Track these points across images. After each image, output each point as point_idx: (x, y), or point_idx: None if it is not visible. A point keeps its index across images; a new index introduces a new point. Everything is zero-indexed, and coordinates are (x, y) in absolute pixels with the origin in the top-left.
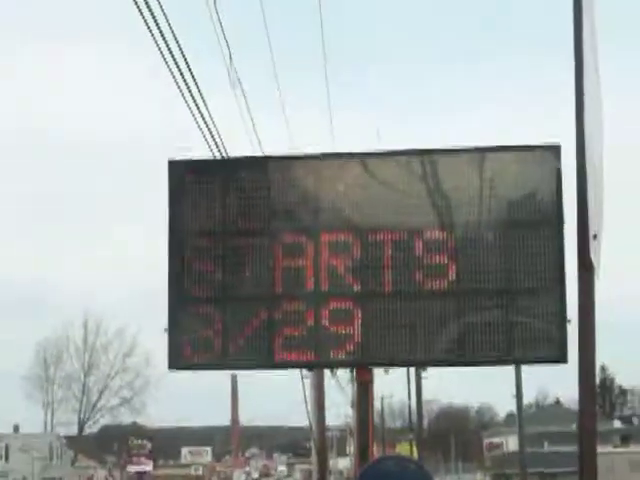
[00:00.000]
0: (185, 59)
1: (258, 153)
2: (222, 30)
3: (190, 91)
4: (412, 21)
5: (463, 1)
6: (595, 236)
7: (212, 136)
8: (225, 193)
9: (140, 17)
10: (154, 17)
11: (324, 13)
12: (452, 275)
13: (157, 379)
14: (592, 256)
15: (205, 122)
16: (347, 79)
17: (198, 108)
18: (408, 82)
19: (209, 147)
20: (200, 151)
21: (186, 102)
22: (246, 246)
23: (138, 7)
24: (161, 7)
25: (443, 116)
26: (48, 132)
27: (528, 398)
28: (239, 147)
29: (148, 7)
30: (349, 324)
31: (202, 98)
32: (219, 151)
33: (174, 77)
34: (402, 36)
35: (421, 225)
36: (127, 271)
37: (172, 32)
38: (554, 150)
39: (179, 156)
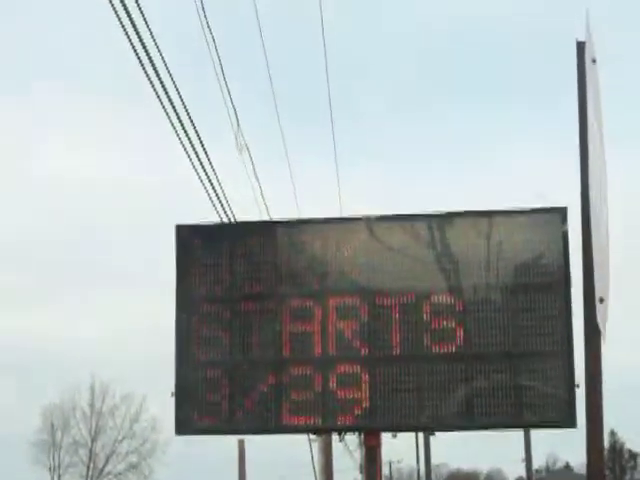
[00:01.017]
0: (194, 127)
1: (265, 216)
2: (230, 96)
3: (198, 156)
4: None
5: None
6: (602, 300)
7: (219, 200)
8: (232, 257)
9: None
10: (164, 87)
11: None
12: (460, 339)
13: (164, 444)
14: (598, 320)
15: (213, 186)
16: (355, 132)
17: (206, 173)
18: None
19: (217, 211)
20: (207, 215)
21: (194, 167)
22: (253, 311)
23: (148, 76)
24: (171, 77)
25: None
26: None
27: (538, 462)
28: (247, 210)
29: (158, 76)
30: (357, 388)
31: (210, 163)
32: (227, 215)
33: (184, 146)
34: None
35: (428, 289)
36: (134, 336)
37: (182, 102)
38: (560, 212)
39: (186, 221)
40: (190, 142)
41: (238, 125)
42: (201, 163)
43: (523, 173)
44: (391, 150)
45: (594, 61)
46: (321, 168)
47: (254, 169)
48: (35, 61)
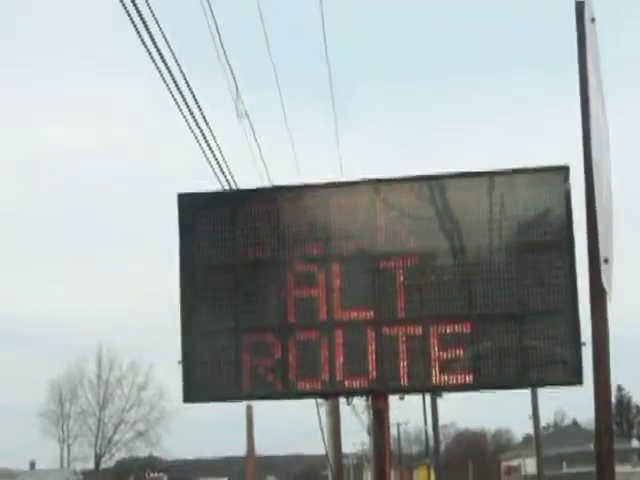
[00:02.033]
0: (193, 95)
1: (266, 183)
2: (229, 64)
3: (197, 124)
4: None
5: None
6: (606, 260)
7: (221, 168)
8: (235, 224)
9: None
10: (162, 56)
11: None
12: (465, 300)
13: (172, 411)
14: (603, 280)
15: (214, 154)
16: (354, 100)
17: (206, 140)
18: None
19: (218, 179)
20: (209, 183)
21: (194, 135)
22: (257, 277)
23: (145, 45)
24: (169, 47)
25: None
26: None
27: (545, 420)
28: (247, 178)
29: (156, 47)
30: (363, 351)
31: (210, 131)
32: (228, 183)
33: (183, 113)
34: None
35: (432, 251)
36: (140, 304)
37: (182, 73)
38: (563, 171)
39: (188, 189)
40: (190, 111)
41: (237, 92)
42: (201, 131)
43: (523, 136)
44: (392, 115)
45: (593, 20)
46: (322, 134)
47: (254, 135)
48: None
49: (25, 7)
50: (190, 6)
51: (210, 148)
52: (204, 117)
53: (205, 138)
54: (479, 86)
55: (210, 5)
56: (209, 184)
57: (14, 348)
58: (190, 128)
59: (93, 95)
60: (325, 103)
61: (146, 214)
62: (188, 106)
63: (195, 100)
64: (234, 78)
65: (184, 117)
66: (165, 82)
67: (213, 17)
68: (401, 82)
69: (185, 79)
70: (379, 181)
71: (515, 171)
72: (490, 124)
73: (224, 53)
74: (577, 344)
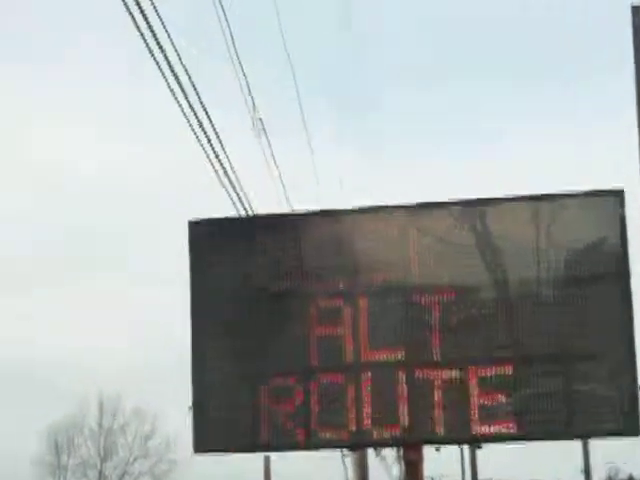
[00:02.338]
0: (205, 111)
1: (286, 208)
2: (246, 80)
3: (212, 145)
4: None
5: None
6: None
7: (236, 192)
8: (251, 255)
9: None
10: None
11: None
12: (507, 339)
13: (182, 464)
14: None
15: (228, 177)
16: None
17: (221, 163)
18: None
19: (234, 205)
20: (223, 210)
21: (208, 158)
22: (277, 313)
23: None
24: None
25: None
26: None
27: (598, 474)
28: (265, 203)
29: (167, 61)
30: (394, 396)
31: (225, 153)
32: (244, 208)
33: (195, 134)
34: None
35: (471, 284)
36: (146, 343)
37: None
38: (617, 195)
39: (200, 216)
40: (205, 133)
41: (254, 107)
42: (213, 148)
43: (565, 155)
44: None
45: None
46: (345, 154)
47: (272, 154)
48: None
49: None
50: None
51: (223, 167)
52: (216, 133)
53: (218, 157)
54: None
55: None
56: (221, 209)
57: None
58: (203, 148)
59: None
60: (351, 117)
61: (151, 242)
62: (199, 122)
63: (208, 116)
64: (249, 88)
65: (197, 137)
66: (174, 95)
67: (227, 23)
68: (432, 92)
69: (196, 92)
70: (412, 206)
71: (563, 195)
72: (526, 139)
73: (239, 62)
74: (633, 389)
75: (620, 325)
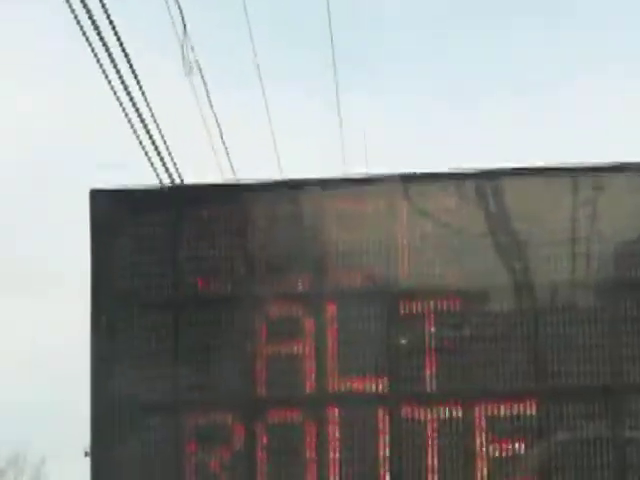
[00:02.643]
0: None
1: (229, 177)
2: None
3: (123, 81)
4: None
5: None
6: None
7: (158, 151)
8: (178, 240)
9: None
10: None
11: None
12: (529, 368)
13: None
14: None
15: (148, 132)
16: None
17: (138, 113)
18: None
19: (154, 169)
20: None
21: (121, 105)
22: (211, 322)
23: None
24: None
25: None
26: None
27: None
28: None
29: None
30: (371, 443)
31: (145, 101)
32: (168, 174)
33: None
34: None
35: (480, 289)
36: (23, 364)
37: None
38: None
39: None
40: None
41: (185, 32)
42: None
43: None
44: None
45: None
46: (307, 103)
47: (210, 102)
48: None
49: None
50: None
51: (141, 118)
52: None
53: (135, 105)
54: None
55: None
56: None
57: None
58: (113, 90)
59: None
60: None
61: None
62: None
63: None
64: (182, 15)
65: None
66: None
67: None
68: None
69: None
70: (401, 178)
71: (611, 168)
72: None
73: None
74: None
75: None
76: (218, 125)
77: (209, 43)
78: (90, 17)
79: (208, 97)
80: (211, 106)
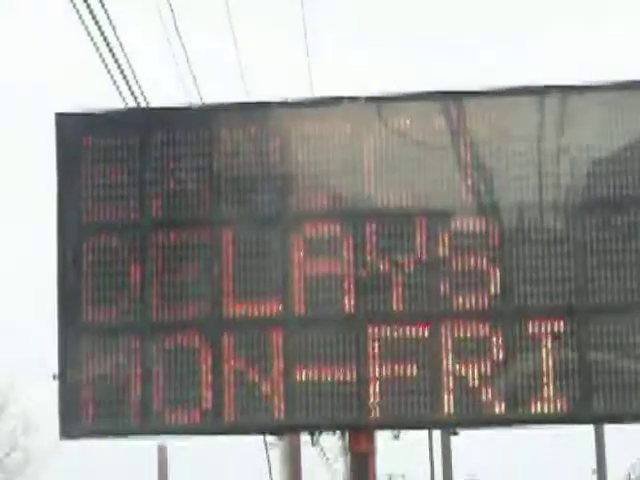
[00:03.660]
0: None
1: (196, 100)
2: None
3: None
4: None
5: None
6: None
7: (122, 71)
8: (144, 163)
9: None
10: None
11: None
12: (495, 287)
13: (43, 453)
14: None
15: (111, 51)
16: None
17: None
18: None
19: (117, 89)
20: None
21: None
22: (178, 244)
23: None
24: None
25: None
26: None
27: (614, 473)
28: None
29: None
30: (337, 364)
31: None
32: (134, 96)
33: None
34: None
35: (448, 210)
36: None
37: None
38: None
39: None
40: None
41: None
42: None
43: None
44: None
45: None
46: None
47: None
48: None
49: None
50: None
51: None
52: None
53: (95, 18)
54: None
55: None
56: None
57: None
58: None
59: None
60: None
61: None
62: None
63: None
64: None
65: None
66: None
67: None
68: None
69: None
70: (369, 99)
71: (588, 87)
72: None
73: None
74: None
75: None
76: (185, 52)
77: None
78: None
79: (175, 24)
80: (177, 31)
